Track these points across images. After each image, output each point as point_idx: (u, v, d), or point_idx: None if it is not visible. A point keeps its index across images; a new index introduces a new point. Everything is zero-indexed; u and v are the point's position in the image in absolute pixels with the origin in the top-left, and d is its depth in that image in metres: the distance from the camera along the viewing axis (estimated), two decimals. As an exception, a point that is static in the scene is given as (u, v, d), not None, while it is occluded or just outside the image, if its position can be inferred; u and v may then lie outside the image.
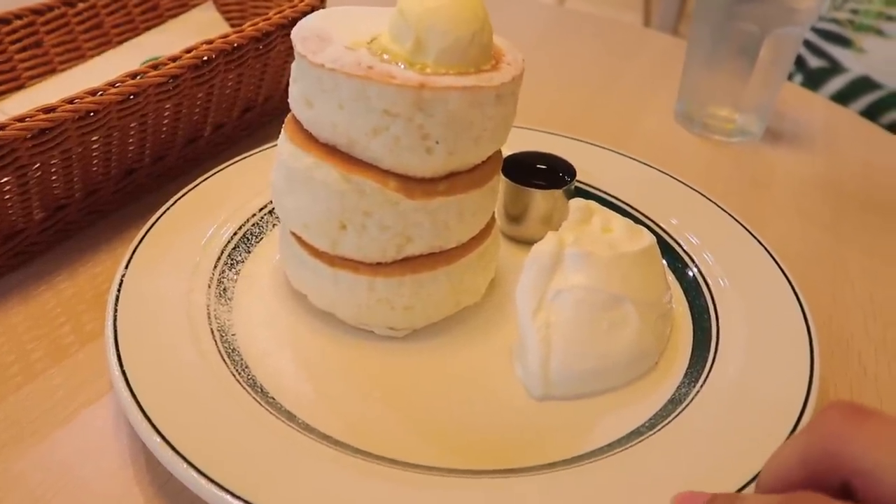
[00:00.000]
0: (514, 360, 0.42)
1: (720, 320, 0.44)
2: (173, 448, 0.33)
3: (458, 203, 0.40)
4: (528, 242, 0.52)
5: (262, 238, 0.50)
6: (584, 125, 0.70)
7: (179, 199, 0.49)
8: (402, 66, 0.37)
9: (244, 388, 0.38)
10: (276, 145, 0.55)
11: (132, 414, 0.34)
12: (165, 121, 0.53)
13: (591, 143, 0.60)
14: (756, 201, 0.62)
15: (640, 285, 0.42)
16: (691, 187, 0.55)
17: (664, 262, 0.46)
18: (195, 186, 0.51)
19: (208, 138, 0.58)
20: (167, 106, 0.51)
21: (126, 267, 0.43)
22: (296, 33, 0.39)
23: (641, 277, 0.42)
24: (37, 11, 0.62)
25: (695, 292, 0.47)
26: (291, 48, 0.62)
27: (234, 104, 0.59)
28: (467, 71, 0.38)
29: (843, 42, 0.90)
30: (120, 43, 0.68)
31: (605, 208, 0.46)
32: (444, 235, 0.41)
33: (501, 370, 0.42)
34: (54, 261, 0.50)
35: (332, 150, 0.39)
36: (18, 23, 0.61)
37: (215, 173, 0.52)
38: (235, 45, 0.54)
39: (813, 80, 0.91)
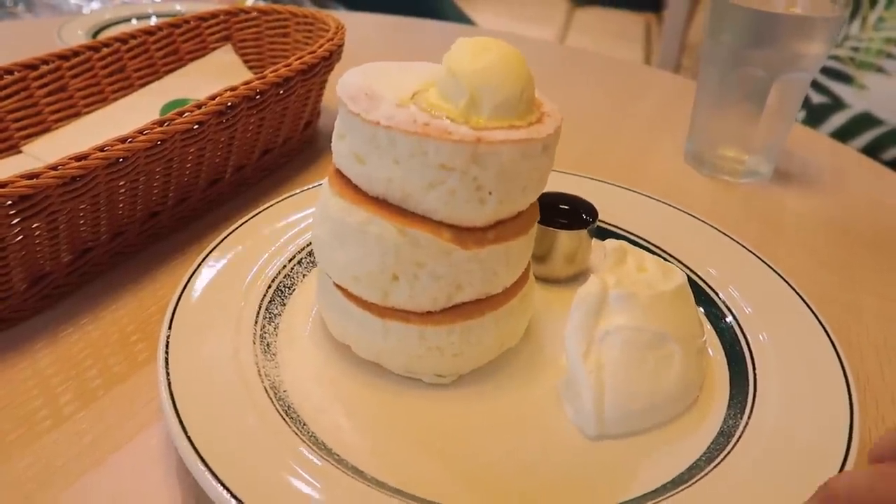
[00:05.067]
0: (564, 401, 0.43)
1: (753, 354, 0.46)
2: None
3: (507, 250, 0.41)
4: (552, 281, 0.54)
5: (294, 289, 0.50)
6: (592, 165, 0.71)
7: (211, 251, 0.49)
8: (458, 120, 0.38)
9: (308, 445, 0.37)
10: (297, 193, 0.56)
11: (204, 481, 0.34)
12: (189, 164, 0.53)
13: (614, 184, 0.61)
14: (767, 242, 0.62)
15: (679, 322, 0.43)
16: (710, 224, 0.57)
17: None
18: (225, 238, 0.50)
19: (229, 179, 0.59)
20: (191, 150, 0.52)
21: (169, 328, 0.43)
22: (343, 91, 0.40)
23: (679, 314, 0.44)
24: (63, 57, 0.64)
25: (725, 328, 0.49)
26: (309, 92, 0.64)
27: (254, 146, 0.60)
28: (517, 125, 0.39)
29: (845, 79, 0.92)
30: (142, 86, 0.69)
31: (637, 248, 0.47)
32: (492, 282, 0.42)
33: (550, 411, 0.43)
34: (80, 303, 0.49)
35: (384, 204, 0.40)
36: (45, 68, 0.62)
37: (243, 223, 0.52)
38: (258, 91, 0.54)
39: (815, 116, 0.93)
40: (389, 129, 0.37)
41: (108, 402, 0.43)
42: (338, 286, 0.44)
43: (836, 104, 0.92)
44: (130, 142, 0.45)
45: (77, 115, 0.64)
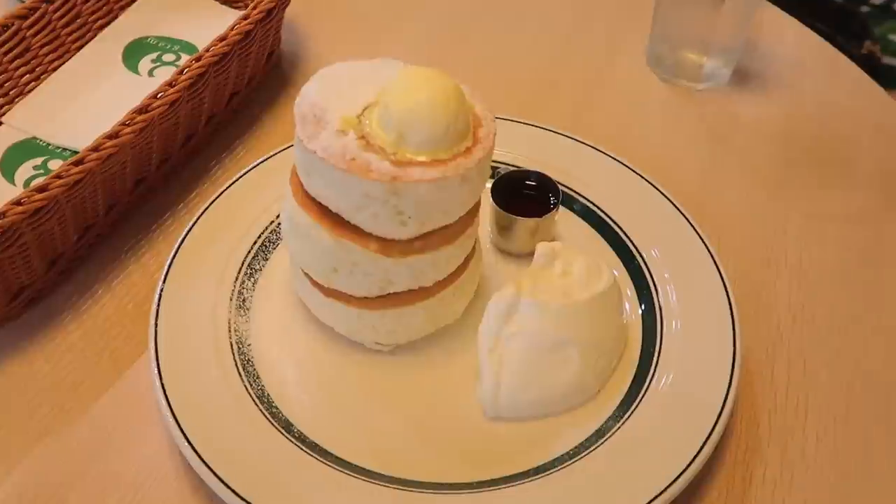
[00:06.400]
0: (477, 382, 0.56)
1: (660, 359, 0.57)
2: (199, 456, 0.49)
3: (433, 257, 0.53)
4: (517, 255, 0.64)
5: (277, 244, 0.64)
6: (553, 73, 0.81)
7: (204, 211, 0.64)
8: (387, 151, 0.49)
9: (253, 400, 0.54)
10: (284, 150, 0.68)
11: (171, 426, 0.51)
12: (168, 133, 0.68)
13: (585, 143, 0.72)
14: (711, 157, 0.76)
15: (586, 329, 0.55)
16: (643, 177, 0.68)
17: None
18: (218, 197, 0.65)
19: (203, 131, 0.74)
20: (170, 122, 0.66)
21: (164, 281, 0.59)
22: (297, 109, 0.51)
23: (590, 322, 0.55)
24: (21, 17, 0.73)
25: (650, 323, 0.60)
26: (268, 28, 0.76)
27: (223, 95, 0.74)
28: (441, 158, 0.49)
29: None
30: (99, 29, 0.80)
31: (570, 249, 0.57)
32: (421, 279, 0.55)
33: (466, 389, 0.57)
34: (92, 273, 0.65)
35: (325, 212, 0.52)
36: (7, 33, 0.72)
37: (234, 182, 0.67)
38: (223, 53, 0.67)
39: None
40: (323, 160, 0.48)
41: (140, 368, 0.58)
42: (298, 261, 0.57)
43: None
44: (119, 136, 0.60)
45: (44, 72, 0.76)
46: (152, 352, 0.55)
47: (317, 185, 0.51)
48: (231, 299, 0.60)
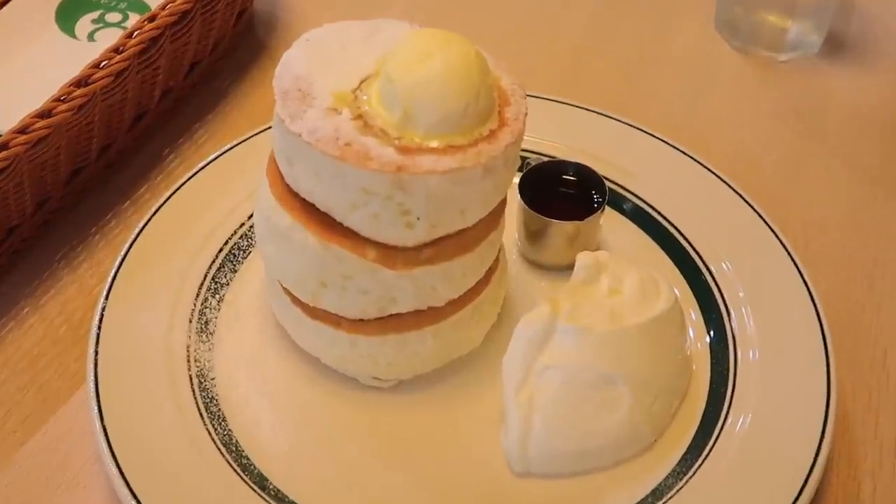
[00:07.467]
0: (501, 427, 0.56)
1: (734, 400, 0.56)
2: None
3: (446, 269, 0.53)
4: (550, 268, 0.64)
5: (249, 252, 0.64)
6: (598, 39, 0.81)
7: (158, 210, 0.64)
8: (391, 134, 0.48)
9: (217, 448, 0.54)
10: (258, 132, 0.68)
11: (114, 478, 0.51)
12: (112, 112, 0.67)
13: (638, 128, 0.71)
14: (797, 145, 0.73)
15: (639, 362, 0.54)
16: (720, 177, 0.67)
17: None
18: (175, 192, 0.65)
19: (156, 109, 0.74)
20: (115, 97, 0.66)
21: (106, 298, 0.59)
22: (278, 82, 0.51)
23: (643, 353, 0.55)
24: None
25: (721, 355, 0.60)
26: None
27: (181, 66, 0.74)
28: (457, 143, 0.48)
29: None
30: None
31: (619, 260, 0.57)
32: (431, 297, 0.55)
33: (487, 436, 0.57)
34: (19, 287, 0.64)
35: (311, 210, 0.52)
36: None
37: (196, 173, 0.67)
38: (183, 12, 0.67)
39: None
40: (309, 145, 0.48)
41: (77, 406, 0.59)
42: (275, 274, 0.57)
43: None
44: (52, 115, 0.59)
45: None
46: (91, 386, 0.54)
47: (301, 178, 0.51)
48: (190, 321, 0.60)
